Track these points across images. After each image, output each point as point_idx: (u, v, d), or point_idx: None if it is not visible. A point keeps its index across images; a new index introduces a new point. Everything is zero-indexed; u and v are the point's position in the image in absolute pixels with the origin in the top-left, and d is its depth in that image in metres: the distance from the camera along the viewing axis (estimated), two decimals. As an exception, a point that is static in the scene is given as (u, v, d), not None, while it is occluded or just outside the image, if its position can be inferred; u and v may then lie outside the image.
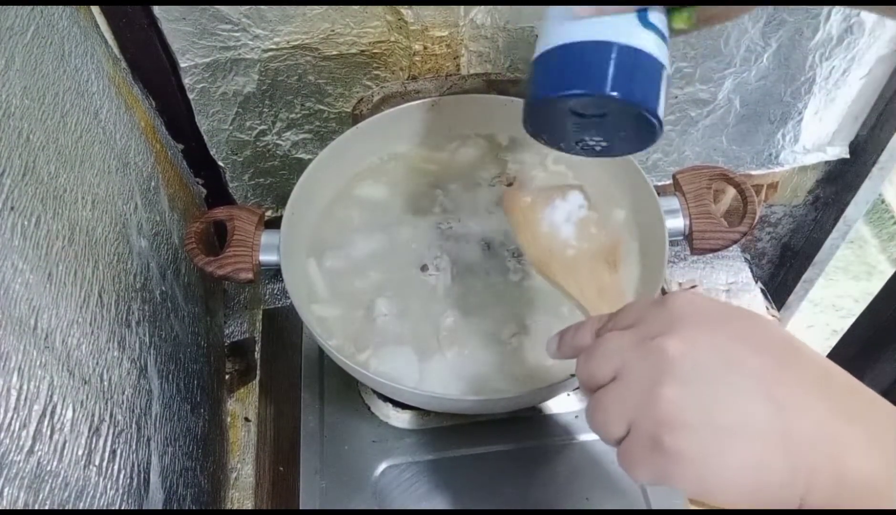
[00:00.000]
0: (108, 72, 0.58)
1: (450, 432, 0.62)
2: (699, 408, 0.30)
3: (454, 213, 0.66)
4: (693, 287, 0.88)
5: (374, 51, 0.67)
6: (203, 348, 0.71)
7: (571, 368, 0.52)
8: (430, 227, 0.66)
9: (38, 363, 0.37)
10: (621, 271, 0.52)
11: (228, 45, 0.64)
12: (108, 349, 0.47)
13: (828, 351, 1.07)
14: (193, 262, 0.60)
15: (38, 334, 0.38)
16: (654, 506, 0.58)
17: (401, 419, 0.63)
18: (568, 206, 0.56)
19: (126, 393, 0.49)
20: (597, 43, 0.38)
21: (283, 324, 0.83)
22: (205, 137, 0.72)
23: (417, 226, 0.66)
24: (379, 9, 0.63)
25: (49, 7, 0.49)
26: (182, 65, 0.64)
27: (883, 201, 1.58)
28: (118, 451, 0.46)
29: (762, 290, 0.90)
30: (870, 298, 0.97)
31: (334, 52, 0.66)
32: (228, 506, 0.71)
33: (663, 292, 0.65)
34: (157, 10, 0.60)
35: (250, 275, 0.60)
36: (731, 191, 0.89)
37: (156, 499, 0.51)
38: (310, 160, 0.65)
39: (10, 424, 0.34)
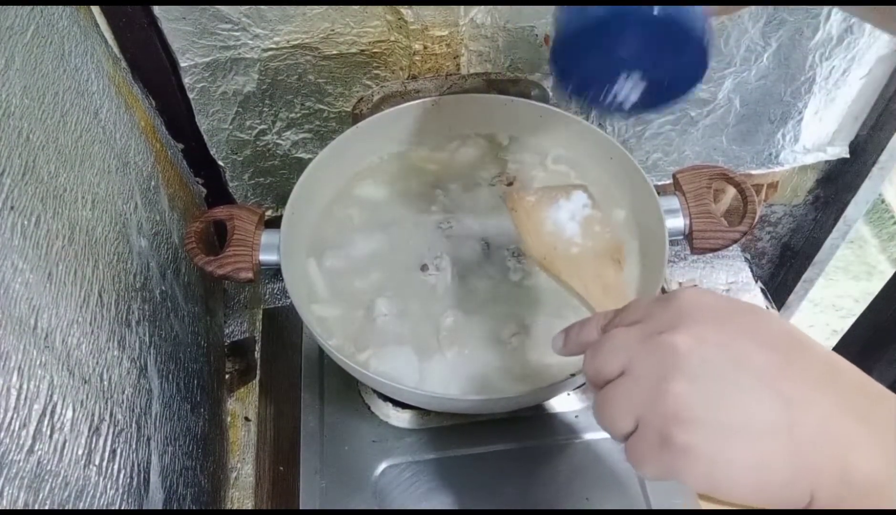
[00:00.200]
0: (108, 71, 0.58)
1: (450, 432, 0.62)
2: (707, 404, 0.30)
3: (454, 213, 0.66)
4: (693, 287, 0.88)
5: (374, 50, 0.67)
6: (203, 348, 0.71)
7: (571, 368, 0.53)
8: (430, 227, 0.66)
9: (38, 362, 0.37)
10: (625, 269, 0.52)
11: (228, 45, 0.64)
12: (108, 348, 0.47)
13: (828, 351, 1.07)
14: (193, 262, 0.60)
15: (38, 334, 0.38)
16: (654, 506, 0.58)
17: (401, 419, 0.63)
18: (572, 205, 0.56)
19: (126, 392, 0.49)
20: None
21: (283, 324, 0.83)
22: (205, 137, 0.72)
23: (417, 226, 0.66)
24: (379, 8, 0.63)
25: (49, 7, 0.49)
26: (182, 64, 0.64)
27: (883, 201, 1.58)
28: (118, 451, 0.46)
29: (762, 290, 0.90)
30: (870, 298, 0.97)
31: (334, 52, 0.66)
32: (228, 506, 0.71)
33: (663, 292, 0.65)
34: (157, 9, 0.60)
35: (250, 275, 0.60)
36: (731, 191, 0.89)
37: (156, 499, 0.51)
38: (310, 160, 0.65)
39: (10, 424, 0.34)
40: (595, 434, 0.61)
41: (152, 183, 0.63)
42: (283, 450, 0.73)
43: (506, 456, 0.61)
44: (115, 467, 0.45)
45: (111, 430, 0.45)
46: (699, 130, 0.82)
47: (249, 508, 0.71)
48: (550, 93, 0.74)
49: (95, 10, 0.58)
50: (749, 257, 0.95)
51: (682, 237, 0.62)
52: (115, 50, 0.62)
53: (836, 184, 0.94)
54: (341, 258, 0.64)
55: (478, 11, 0.66)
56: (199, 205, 0.78)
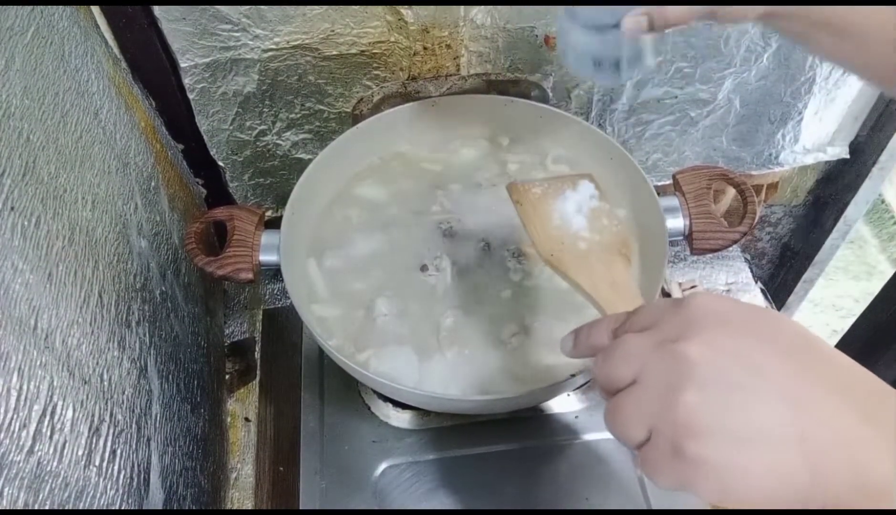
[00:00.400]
0: (108, 72, 0.58)
1: (450, 432, 0.62)
2: (720, 414, 0.30)
3: (454, 213, 0.66)
4: (693, 287, 0.89)
5: (374, 51, 0.67)
6: (203, 348, 0.71)
7: (572, 368, 0.53)
8: (430, 227, 0.66)
9: (38, 363, 0.37)
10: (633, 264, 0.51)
11: (228, 45, 0.64)
12: (108, 349, 0.47)
13: (828, 351, 1.07)
14: (193, 262, 0.60)
15: (38, 334, 0.38)
16: (654, 506, 0.58)
17: (401, 419, 0.63)
18: (578, 196, 0.55)
19: (126, 393, 0.49)
20: None
21: (283, 324, 0.83)
22: (205, 137, 0.72)
23: (417, 226, 0.66)
24: (379, 9, 0.63)
25: (49, 7, 0.49)
26: (182, 65, 0.64)
27: (883, 201, 1.58)
28: (118, 451, 0.46)
29: (762, 290, 0.90)
30: (870, 298, 0.97)
31: (334, 52, 0.66)
32: (228, 506, 0.71)
33: (663, 292, 0.65)
34: (157, 10, 0.60)
35: (250, 275, 0.60)
36: (731, 191, 0.89)
37: (156, 499, 0.51)
38: (310, 160, 0.65)
39: (10, 424, 0.34)
40: (595, 435, 0.61)
41: (152, 183, 0.63)
42: (283, 450, 0.73)
43: (506, 457, 0.61)
44: (115, 467, 0.45)
45: (111, 431, 0.45)
46: (699, 131, 0.82)
47: (249, 508, 0.71)
48: (550, 94, 0.74)
49: (95, 10, 0.58)
50: (749, 257, 0.95)
51: (681, 237, 0.62)
52: (116, 50, 0.62)
53: (836, 184, 0.94)
54: (341, 258, 0.64)
55: (478, 12, 0.66)
56: (199, 206, 0.78)
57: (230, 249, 0.60)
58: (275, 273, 0.86)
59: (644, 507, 0.58)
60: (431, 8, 0.64)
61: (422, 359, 0.57)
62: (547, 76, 0.72)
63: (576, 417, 0.63)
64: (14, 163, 0.40)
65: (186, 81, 0.66)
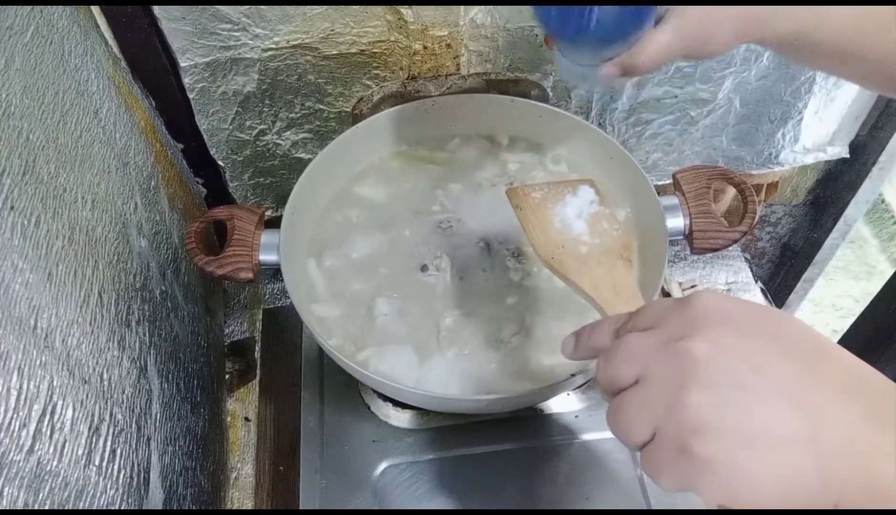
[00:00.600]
0: (108, 71, 0.58)
1: (450, 432, 0.62)
2: (725, 414, 0.29)
3: (454, 213, 0.66)
4: (693, 287, 0.89)
5: (374, 50, 0.67)
6: (203, 348, 0.71)
7: (572, 368, 0.53)
8: (430, 227, 0.66)
9: (38, 362, 0.37)
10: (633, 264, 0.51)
11: (228, 45, 0.64)
12: (108, 348, 0.47)
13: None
14: (193, 262, 0.60)
15: (38, 334, 0.38)
16: (654, 506, 0.58)
17: (401, 419, 0.63)
18: (579, 201, 0.55)
19: (126, 392, 0.49)
20: None
21: (283, 324, 0.83)
22: (205, 137, 0.72)
23: (417, 226, 0.66)
24: (379, 8, 0.63)
25: (49, 7, 0.49)
26: (182, 64, 0.64)
27: (883, 201, 1.58)
28: (118, 451, 0.46)
29: (762, 290, 0.90)
30: (870, 298, 0.97)
31: (334, 52, 0.66)
32: (228, 506, 0.71)
33: (663, 292, 0.65)
34: (157, 9, 0.60)
35: (250, 275, 0.60)
36: (731, 191, 0.89)
37: (156, 499, 0.51)
38: (310, 160, 0.65)
39: (10, 424, 0.34)
40: (595, 435, 0.61)
41: (152, 183, 0.63)
42: (283, 450, 0.73)
43: (506, 456, 0.61)
44: (115, 467, 0.45)
45: (111, 430, 0.45)
46: (699, 130, 0.82)
47: (249, 508, 0.71)
48: (550, 93, 0.74)
49: (95, 10, 0.58)
50: (749, 257, 0.95)
51: (682, 237, 0.62)
52: (115, 50, 0.62)
53: (836, 184, 0.94)
54: (341, 258, 0.64)
55: (478, 11, 0.66)
56: (199, 205, 0.78)
57: (230, 249, 0.60)
58: (275, 272, 0.86)
59: (644, 507, 0.58)
60: (431, 8, 0.64)
61: (422, 359, 0.57)
62: (547, 75, 0.72)
63: (575, 417, 0.63)
64: (14, 163, 0.40)
65: (186, 81, 0.66)
